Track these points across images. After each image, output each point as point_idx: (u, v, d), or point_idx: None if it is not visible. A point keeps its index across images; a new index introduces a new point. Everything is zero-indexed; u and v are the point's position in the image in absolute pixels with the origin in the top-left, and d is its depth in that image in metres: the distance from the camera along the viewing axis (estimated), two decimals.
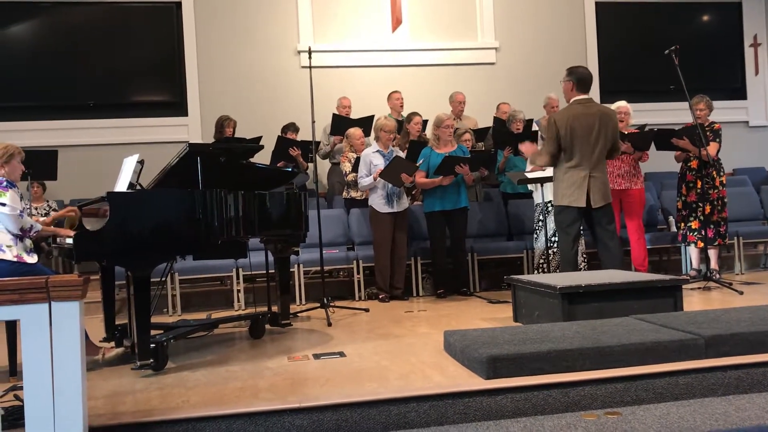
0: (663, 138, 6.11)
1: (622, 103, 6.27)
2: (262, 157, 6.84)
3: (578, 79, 5.05)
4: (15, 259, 3.55)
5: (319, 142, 7.18)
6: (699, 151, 5.82)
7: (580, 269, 5.68)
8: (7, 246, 3.56)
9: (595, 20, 9.38)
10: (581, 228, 5.06)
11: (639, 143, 6.02)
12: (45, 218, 5.08)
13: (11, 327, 3.66)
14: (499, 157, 6.98)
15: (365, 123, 6.90)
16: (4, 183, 3.58)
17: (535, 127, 7.11)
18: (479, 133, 7.41)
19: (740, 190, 7.55)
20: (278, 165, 6.69)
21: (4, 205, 3.53)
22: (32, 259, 3.63)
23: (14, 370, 3.58)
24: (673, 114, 8.45)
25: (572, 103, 5.04)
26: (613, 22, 9.44)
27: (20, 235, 3.60)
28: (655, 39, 8.86)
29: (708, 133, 5.99)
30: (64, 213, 4.14)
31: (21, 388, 2.42)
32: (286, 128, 7.46)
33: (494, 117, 7.69)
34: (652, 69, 8.89)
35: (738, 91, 9.84)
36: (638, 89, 9.24)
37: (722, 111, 8.88)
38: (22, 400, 2.39)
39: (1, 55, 8.04)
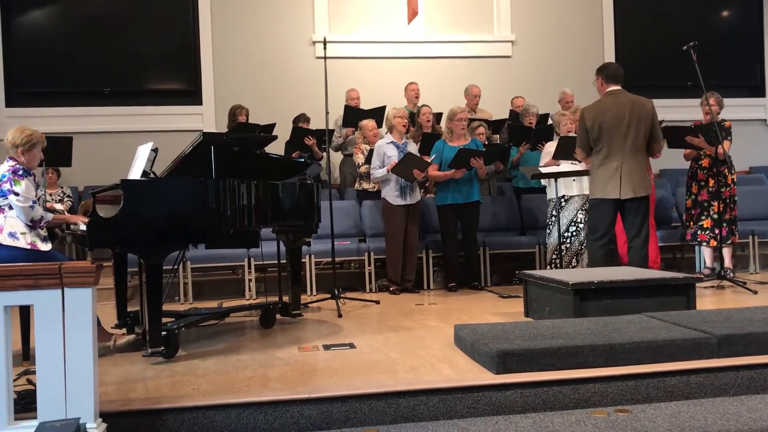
0: (676, 135, 6.05)
1: None
2: (276, 147, 6.85)
3: (607, 74, 5.06)
4: (29, 247, 3.56)
5: (332, 131, 7.17)
6: (716, 149, 5.76)
7: (577, 266, 5.66)
8: (22, 233, 3.57)
9: (612, 15, 9.29)
10: (611, 224, 5.02)
11: None
12: (61, 205, 5.11)
13: (25, 312, 3.69)
14: (514, 152, 6.94)
15: (377, 114, 6.88)
16: (21, 171, 3.57)
17: (550, 122, 7.07)
18: (495, 125, 7.37)
19: (757, 189, 7.48)
20: (293, 155, 6.69)
21: (17, 194, 3.53)
22: (46, 246, 3.64)
23: (27, 354, 3.61)
24: (691, 110, 8.31)
25: (603, 96, 5.03)
26: (631, 17, 9.35)
27: (30, 225, 3.60)
28: (673, 34, 8.77)
29: (722, 131, 5.93)
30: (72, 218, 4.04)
31: (34, 372, 2.43)
32: (297, 119, 7.46)
33: (510, 111, 7.64)
34: (670, 65, 8.81)
35: (756, 89, 9.72)
36: (656, 85, 9.13)
37: (740, 108, 8.80)
38: (34, 385, 2.41)
39: (18, 41, 8.08)
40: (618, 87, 5.03)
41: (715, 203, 5.88)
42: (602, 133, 4.91)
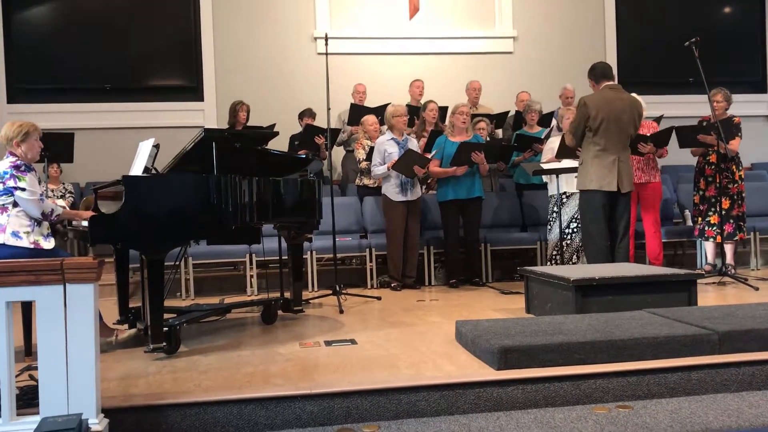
0: (686, 135, 6.04)
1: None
2: (277, 144, 6.84)
3: (597, 74, 5.11)
4: (32, 246, 3.52)
5: (337, 130, 7.16)
6: (718, 145, 5.74)
7: (578, 262, 5.66)
8: (25, 232, 3.53)
9: (614, 11, 9.27)
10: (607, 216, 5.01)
11: (660, 142, 5.96)
12: (63, 200, 5.11)
13: (27, 307, 3.69)
14: (516, 155, 6.94)
15: (382, 112, 6.86)
16: (23, 167, 3.54)
17: (554, 121, 7.04)
18: (498, 119, 7.34)
19: (758, 185, 7.47)
20: (299, 153, 6.69)
21: (23, 189, 3.50)
22: (49, 244, 3.59)
23: (29, 350, 3.61)
24: (693, 107, 8.33)
25: (603, 88, 5.02)
26: (632, 13, 9.33)
27: (40, 219, 3.58)
28: (675, 30, 8.75)
29: (731, 128, 5.92)
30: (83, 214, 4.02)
31: (36, 368, 2.44)
32: (302, 114, 7.44)
33: (516, 112, 7.56)
34: (671, 61, 8.79)
35: (758, 85, 9.70)
36: (657, 81, 9.13)
37: (742, 104, 8.75)
38: (36, 380, 2.41)
39: (20, 37, 8.08)
40: (615, 83, 5.05)
41: (723, 199, 5.87)
42: (602, 124, 4.90)
